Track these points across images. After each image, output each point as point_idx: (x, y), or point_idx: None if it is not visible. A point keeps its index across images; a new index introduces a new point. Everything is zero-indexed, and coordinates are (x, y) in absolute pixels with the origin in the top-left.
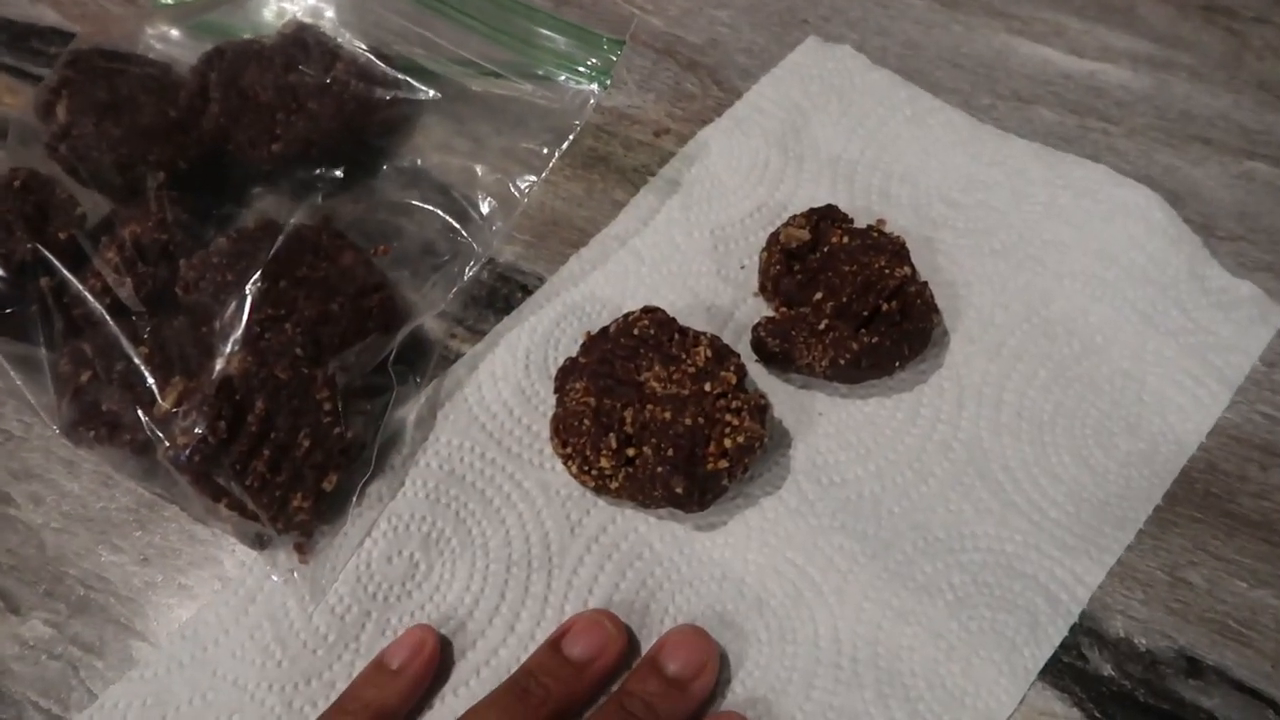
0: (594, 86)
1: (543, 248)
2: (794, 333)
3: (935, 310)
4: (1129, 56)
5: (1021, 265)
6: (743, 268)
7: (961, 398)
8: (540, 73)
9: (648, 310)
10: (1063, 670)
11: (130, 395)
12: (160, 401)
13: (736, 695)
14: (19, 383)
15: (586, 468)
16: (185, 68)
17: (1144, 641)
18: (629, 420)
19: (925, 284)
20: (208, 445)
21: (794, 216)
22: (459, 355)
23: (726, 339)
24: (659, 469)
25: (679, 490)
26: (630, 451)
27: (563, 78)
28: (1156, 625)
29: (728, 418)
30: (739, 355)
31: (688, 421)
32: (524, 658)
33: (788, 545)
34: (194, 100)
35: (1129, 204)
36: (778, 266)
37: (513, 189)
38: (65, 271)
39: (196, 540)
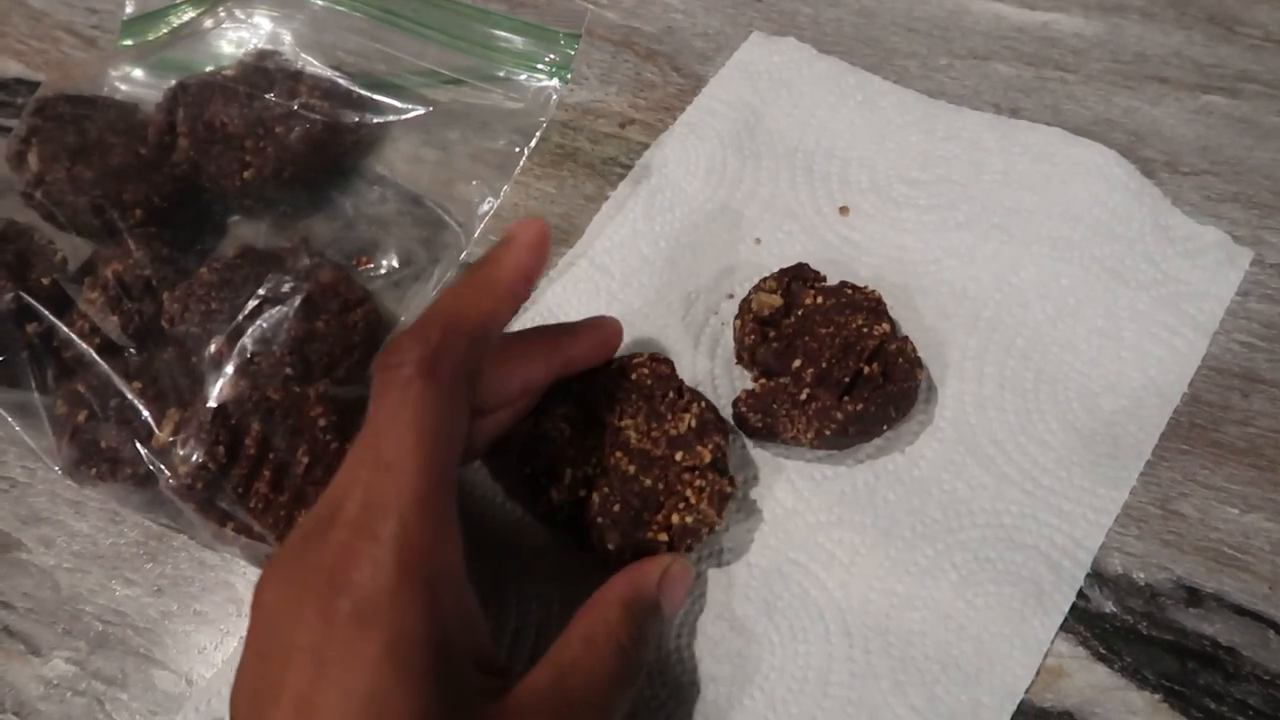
0: (555, 82)
1: None
2: (776, 405)
3: (919, 366)
4: (1080, 4)
5: (987, 236)
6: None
7: (943, 375)
8: (501, 74)
9: (655, 359)
10: None
11: (128, 430)
12: (158, 433)
13: (755, 700)
14: (18, 429)
15: (537, 495)
16: (151, 105)
17: (1142, 575)
18: (593, 462)
19: (906, 339)
20: (208, 472)
21: (764, 279)
22: None
23: (702, 348)
24: (599, 519)
25: (610, 546)
26: (581, 492)
27: (523, 77)
28: (1153, 558)
29: (687, 492)
30: (725, 436)
31: (647, 482)
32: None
33: (788, 545)
34: (162, 137)
35: (1087, 162)
36: (752, 336)
37: (485, 192)
38: (51, 316)
39: (207, 566)
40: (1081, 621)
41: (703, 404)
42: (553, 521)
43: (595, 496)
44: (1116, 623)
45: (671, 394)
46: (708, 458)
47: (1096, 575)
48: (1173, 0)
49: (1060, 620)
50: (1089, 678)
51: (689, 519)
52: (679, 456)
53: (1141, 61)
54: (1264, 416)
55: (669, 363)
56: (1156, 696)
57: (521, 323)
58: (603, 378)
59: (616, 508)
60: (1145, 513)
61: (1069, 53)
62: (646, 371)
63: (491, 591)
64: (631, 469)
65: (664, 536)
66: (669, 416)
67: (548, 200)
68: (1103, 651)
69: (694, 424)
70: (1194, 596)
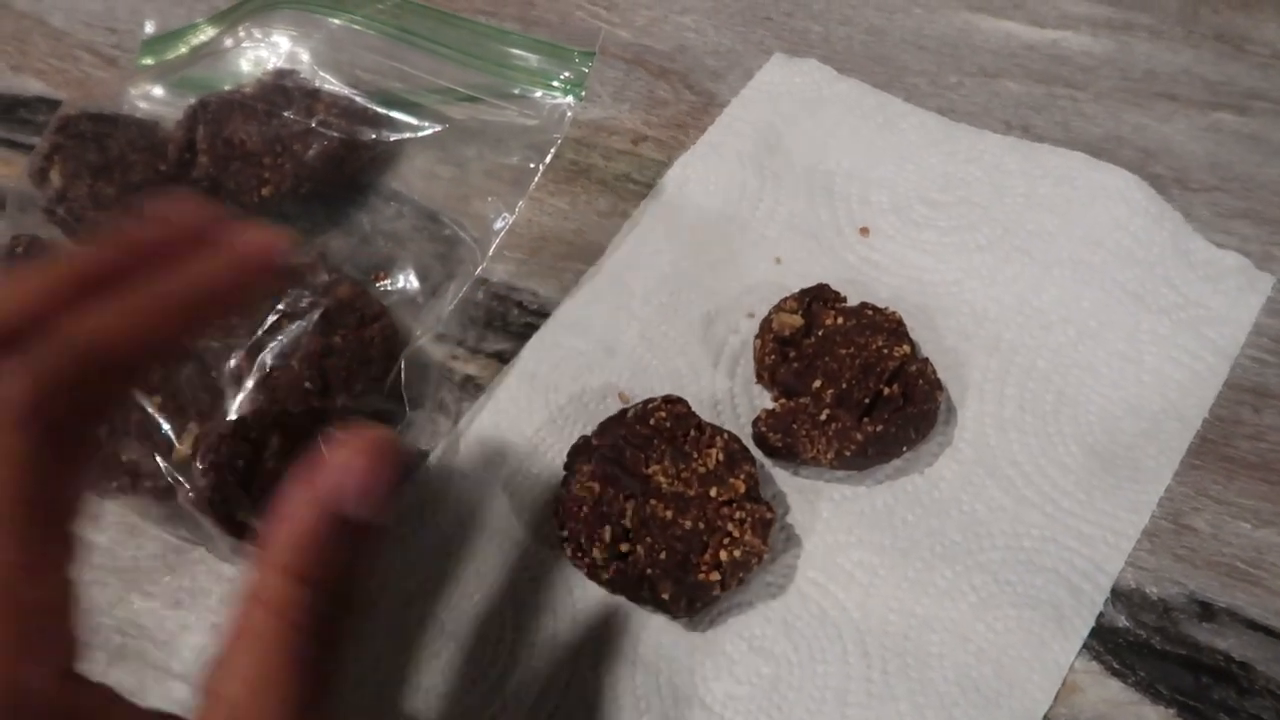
0: (569, 99)
1: (534, 264)
2: (795, 425)
3: (939, 388)
4: (1088, 22)
5: (1008, 258)
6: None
7: (963, 396)
8: (516, 92)
9: (669, 400)
10: None
11: (148, 444)
12: (178, 447)
13: None
14: None
15: (580, 555)
16: (171, 123)
17: (1155, 590)
18: (629, 514)
19: (926, 361)
20: (227, 485)
21: (784, 299)
22: (463, 375)
23: (722, 367)
24: (648, 570)
25: (665, 595)
26: (624, 547)
27: (538, 94)
28: (1166, 573)
29: (729, 527)
30: (753, 463)
31: (687, 524)
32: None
33: (807, 565)
34: (182, 154)
35: (1108, 187)
36: (773, 356)
37: (500, 208)
38: None
39: (225, 579)
40: (1095, 636)
41: (725, 436)
42: (601, 581)
43: (639, 549)
44: (1130, 637)
45: (693, 431)
46: (742, 489)
47: (1110, 590)
48: (1181, 18)
49: (1080, 644)
50: (1103, 693)
51: (737, 553)
52: (713, 493)
53: (1151, 79)
54: (1275, 431)
55: (683, 401)
56: (1170, 711)
57: (544, 339)
58: (622, 429)
59: (663, 556)
60: (1158, 527)
61: (1079, 70)
62: (664, 414)
63: (484, 602)
64: (669, 514)
65: (715, 575)
66: (695, 455)
67: (561, 216)
68: (1116, 666)
69: (721, 457)
70: (1207, 611)
